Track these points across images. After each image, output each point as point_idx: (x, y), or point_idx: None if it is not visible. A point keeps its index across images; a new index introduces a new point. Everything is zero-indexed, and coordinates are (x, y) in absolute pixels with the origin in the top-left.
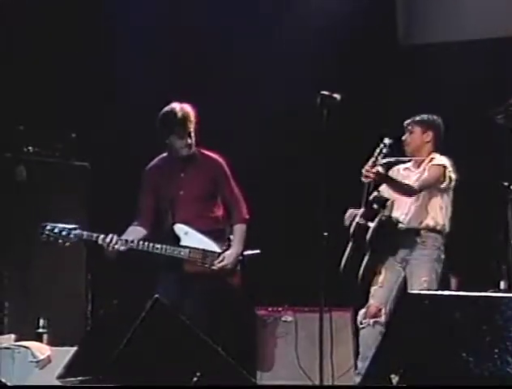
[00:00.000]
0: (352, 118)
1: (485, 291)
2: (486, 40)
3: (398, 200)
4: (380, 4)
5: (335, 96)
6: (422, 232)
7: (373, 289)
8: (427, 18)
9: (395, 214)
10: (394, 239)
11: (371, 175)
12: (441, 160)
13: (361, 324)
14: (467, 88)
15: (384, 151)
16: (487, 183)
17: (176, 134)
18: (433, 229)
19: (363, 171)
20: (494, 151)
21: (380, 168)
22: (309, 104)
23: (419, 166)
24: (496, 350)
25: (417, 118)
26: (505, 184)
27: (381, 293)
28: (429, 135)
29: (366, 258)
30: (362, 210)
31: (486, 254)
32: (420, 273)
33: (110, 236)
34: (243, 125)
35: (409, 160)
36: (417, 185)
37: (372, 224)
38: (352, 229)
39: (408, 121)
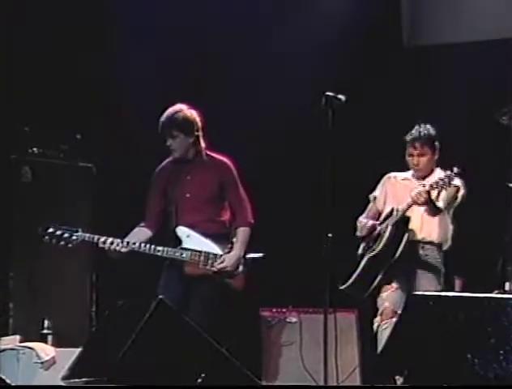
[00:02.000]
0: (356, 119)
1: (490, 292)
2: (491, 41)
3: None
4: (384, 5)
5: (340, 96)
6: (427, 246)
7: (384, 294)
8: (431, 19)
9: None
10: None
11: (422, 200)
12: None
13: (379, 328)
14: (472, 89)
15: (452, 181)
16: (492, 184)
17: (177, 137)
18: (438, 244)
19: (413, 193)
20: (499, 151)
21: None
22: (313, 105)
23: (422, 180)
24: (501, 351)
25: (426, 138)
26: (511, 185)
27: (395, 296)
28: (437, 153)
29: (382, 273)
30: (390, 228)
31: (491, 255)
32: (426, 286)
33: (111, 239)
34: (246, 126)
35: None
36: (442, 206)
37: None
38: (378, 247)
39: (415, 140)
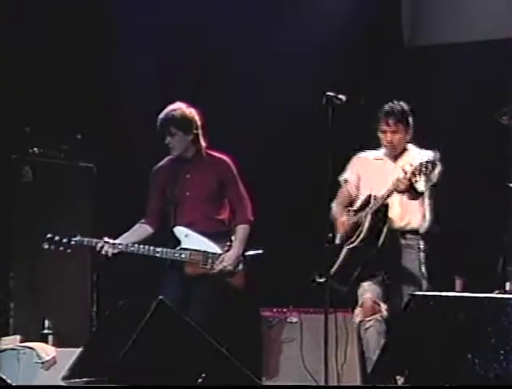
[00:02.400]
0: (356, 119)
1: (491, 292)
2: (490, 41)
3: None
4: (384, 5)
5: (341, 96)
6: (409, 235)
7: (366, 284)
8: (431, 19)
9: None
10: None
11: (403, 187)
12: (425, 154)
13: (361, 325)
14: (473, 89)
15: (435, 166)
16: (492, 184)
17: (176, 135)
18: (417, 231)
19: (394, 181)
20: (499, 151)
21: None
22: (313, 105)
23: (395, 159)
24: (501, 351)
25: (400, 115)
26: (511, 185)
27: (376, 288)
28: (410, 132)
29: (362, 265)
30: (369, 218)
31: (491, 255)
32: (408, 277)
33: (110, 242)
34: (246, 126)
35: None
36: (423, 190)
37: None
38: (358, 239)
39: (388, 116)
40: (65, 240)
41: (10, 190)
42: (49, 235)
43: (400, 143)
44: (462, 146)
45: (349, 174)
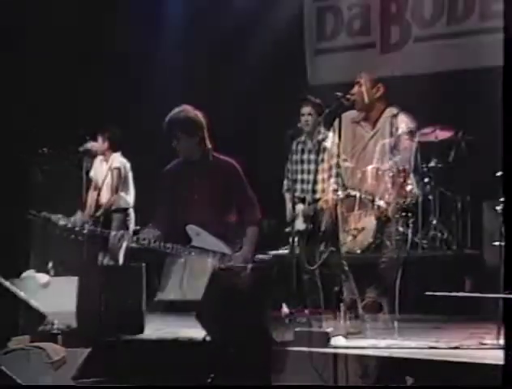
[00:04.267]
0: None
1: (499, 293)
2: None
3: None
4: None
5: (349, 97)
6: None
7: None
8: None
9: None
10: None
11: None
12: (403, 120)
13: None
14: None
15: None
16: (499, 184)
17: (181, 138)
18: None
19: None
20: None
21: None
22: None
23: (374, 124)
24: (509, 352)
25: (370, 72)
26: None
27: (347, 283)
28: (380, 89)
29: None
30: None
31: (500, 255)
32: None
33: (121, 232)
34: (246, 125)
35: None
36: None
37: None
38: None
39: (361, 72)
40: (77, 228)
41: (19, 190)
42: (61, 222)
43: (363, 98)
44: (474, 145)
45: (330, 141)
